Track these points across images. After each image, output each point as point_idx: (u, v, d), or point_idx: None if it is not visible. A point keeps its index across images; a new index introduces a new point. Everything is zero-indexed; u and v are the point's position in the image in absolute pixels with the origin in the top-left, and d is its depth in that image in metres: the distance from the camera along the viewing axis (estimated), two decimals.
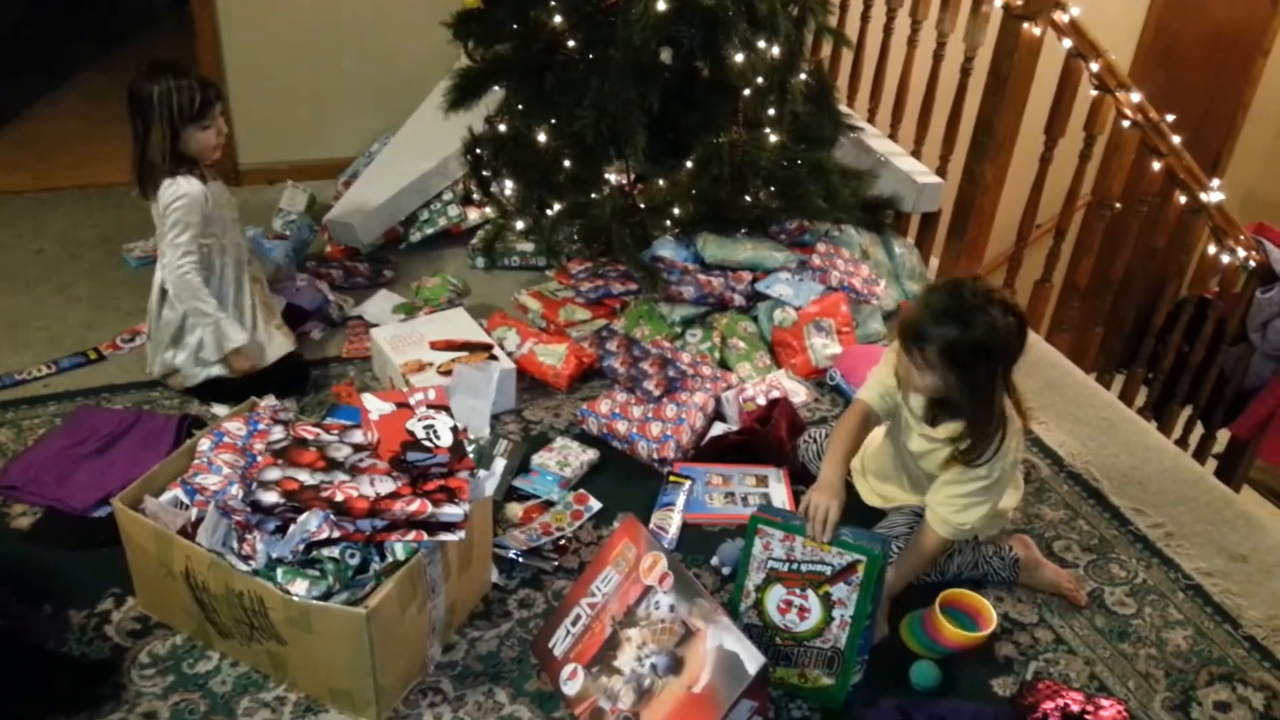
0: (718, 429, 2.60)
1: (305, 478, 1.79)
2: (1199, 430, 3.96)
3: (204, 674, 1.87)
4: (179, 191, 2.39)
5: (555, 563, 2.16)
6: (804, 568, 1.87)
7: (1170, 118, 3.15)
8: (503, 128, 3.08)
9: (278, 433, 1.95)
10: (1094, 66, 3.06)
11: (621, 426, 2.51)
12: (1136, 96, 3.08)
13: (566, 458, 2.44)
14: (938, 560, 2.14)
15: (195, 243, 2.43)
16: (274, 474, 1.79)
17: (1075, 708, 1.80)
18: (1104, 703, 1.84)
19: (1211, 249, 3.47)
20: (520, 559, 2.15)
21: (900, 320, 1.95)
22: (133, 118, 2.38)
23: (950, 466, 2.01)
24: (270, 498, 1.74)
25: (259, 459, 1.87)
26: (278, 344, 2.62)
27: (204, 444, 1.98)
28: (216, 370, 2.54)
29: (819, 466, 2.37)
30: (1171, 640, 2.13)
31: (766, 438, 2.47)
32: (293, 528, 1.72)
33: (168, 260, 2.44)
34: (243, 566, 1.73)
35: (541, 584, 2.12)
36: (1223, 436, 4.08)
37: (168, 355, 2.56)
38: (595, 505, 2.33)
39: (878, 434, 2.28)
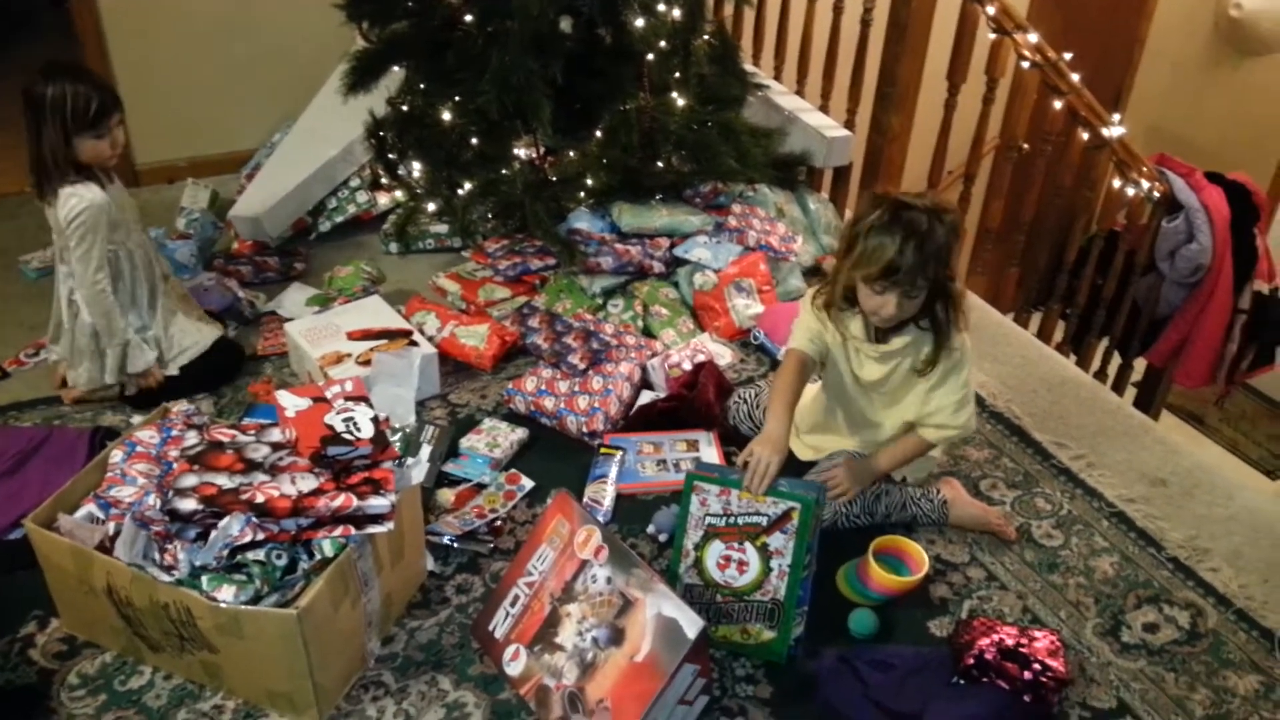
0: (645, 397, 2.60)
1: (223, 481, 1.74)
2: (1117, 361, 4.05)
3: (137, 690, 1.83)
4: (81, 204, 2.29)
5: (491, 545, 2.15)
6: (741, 520, 1.89)
7: (1068, 56, 3.19)
8: (405, 108, 3.03)
9: (192, 438, 1.90)
10: (990, 10, 3.08)
11: (549, 403, 2.49)
12: (1034, 37, 3.12)
13: (496, 439, 2.42)
14: (866, 497, 2.18)
15: (105, 254, 2.35)
16: (191, 480, 1.74)
17: (1010, 642, 1.84)
18: (1037, 634, 1.88)
19: (1116, 183, 3.54)
20: (455, 544, 2.13)
21: (862, 266, 1.92)
22: (26, 118, 2.28)
23: (923, 374, 2.07)
24: (188, 505, 1.69)
25: (175, 466, 1.82)
26: (206, 333, 2.57)
27: (116, 455, 1.92)
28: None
29: (750, 426, 2.41)
30: (1099, 568, 2.19)
31: (694, 402, 2.48)
32: (214, 533, 1.68)
33: (80, 276, 2.35)
34: (165, 577, 1.69)
35: (479, 568, 2.10)
36: (1140, 365, 4.19)
37: (88, 368, 2.48)
38: (528, 484, 2.31)
39: (808, 389, 2.30)
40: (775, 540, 1.86)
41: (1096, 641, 2.01)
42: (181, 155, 3.75)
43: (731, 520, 1.89)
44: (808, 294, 2.18)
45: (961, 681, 1.82)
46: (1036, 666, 1.80)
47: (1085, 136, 3.33)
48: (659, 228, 3.11)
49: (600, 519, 2.19)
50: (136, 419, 2.45)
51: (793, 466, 2.24)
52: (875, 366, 2.12)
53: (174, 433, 1.98)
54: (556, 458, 2.42)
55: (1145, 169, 3.55)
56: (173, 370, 2.51)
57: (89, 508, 1.85)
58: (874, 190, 2.03)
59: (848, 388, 2.20)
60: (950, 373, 2.07)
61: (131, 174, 3.69)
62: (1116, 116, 3.36)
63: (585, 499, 2.26)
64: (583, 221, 3.09)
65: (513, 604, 1.87)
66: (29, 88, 2.25)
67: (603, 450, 2.39)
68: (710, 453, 2.41)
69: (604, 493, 2.28)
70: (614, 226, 3.11)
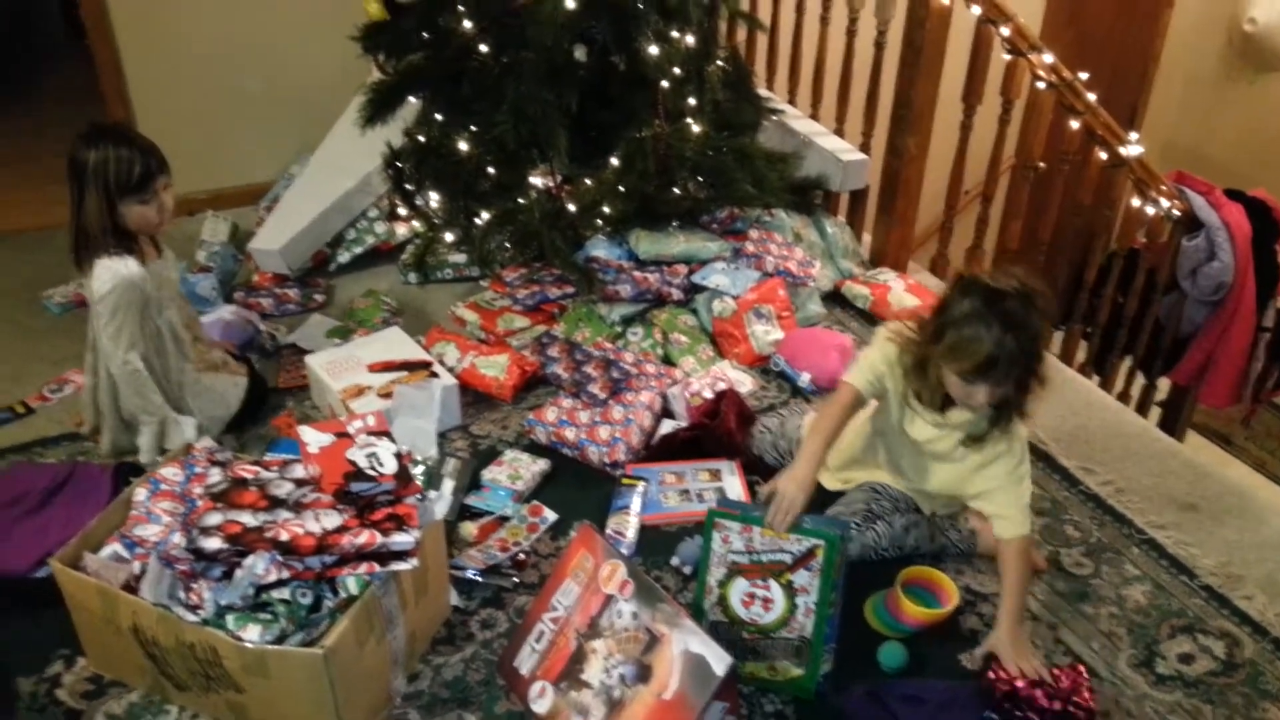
0: (667, 426, 2.58)
1: (248, 519, 1.74)
2: (1140, 381, 4.02)
3: None
4: (114, 279, 2.22)
5: (515, 579, 2.13)
6: (765, 558, 1.86)
7: (1084, 76, 3.19)
8: (422, 139, 3.04)
9: (215, 475, 1.91)
10: (1004, 31, 3.08)
11: (570, 433, 2.49)
12: (1049, 58, 3.11)
13: (518, 470, 2.41)
14: (895, 529, 2.15)
15: (136, 332, 2.29)
16: (215, 518, 1.74)
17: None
18: (1061, 670, 1.85)
19: (1135, 201, 3.52)
20: (479, 578, 2.12)
21: (956, 359, 1.86)
22: (69, 184, 2.21)
23: (972, 449, 2.02)
24: (213, 543, 1.69)
25: (199, 504, 1.82)
26: (235, 390, 2.54)
27: (140, 493, 1.93)
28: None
29: (775, 457, 2.39)
30: (1130, 597, 2.16)
31: (716, 431, 2.46)
32: (239, 572, 1.68)
33: (110, 354, 2.30)
34: (191, 617, 1.68)
35: (503, 602, 2.09)
36: (1164, 385, 4.16)
37: (111, 438, 2.46)
38: (550, 516, 2.30)
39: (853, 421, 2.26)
40: (800, 578, 1.84)
41: (1131, 673, 1.98)
42: (201, 188, 3.77)
43: (755, 557, 1.87)
44: (883, 330, 2.09)
45: (994, 716, 1.79)
46: (1060, 704, 1.78)
47: (1103, 156, 3.31)
48: (677, 254, 3.11)
49: (624, 551, 2.17)
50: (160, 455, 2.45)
51: (818, 495, 2.23)
52: (925, 428, 2.07)
53: (197, 469, 1.98)
54: (579, 488, 2.41)
55: (1164, 187, 3.53)
56: (210, 442, 2.50)
57: (114, 546, 1.85)
58: (960, 273, 1.96)
59: (893, 433, 2.16)
60: (1002, 457, 2.01)
61: None
62: (1134, 135, 3.35)
63: (608, 530, 2.25)
64: (600, 249, 3.09)
65: (538, 640, 1.85)
66: (71, 154, 2.19)
67: (624, 481, 2.38)
68: (733, 482, 2.39)
69: (627, 524, 2.27)
70: (632, 254, 3.11)
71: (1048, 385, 1.96)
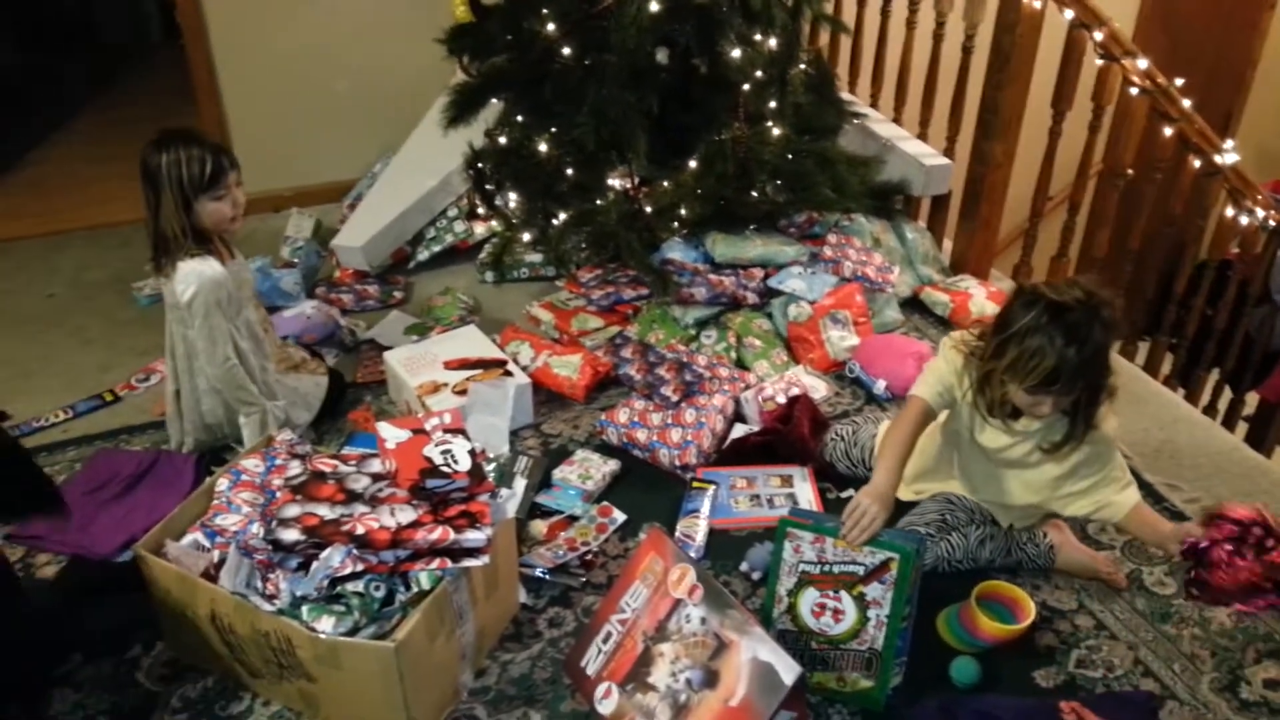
0: (738, 430, 2.57)
1: (325, 512, 1.77)
2: (1228, 395, 3.89)
3: (236, 715, 1.86)
4: (198, 279, 2.23)
5: (583, 578, 2.14)
6: (836, 569, 1.84)
7: (1179, 82, 3.09)
8: (503, 140, 3.07)
9: (295, 467, 1.94)
10: (1098, 35, 3.00)
11: (641, 435, 2.49)
12: (1143, 63, 3.02)
13: (588, 470, 2.42)
14: (969, 541, 2.12)
15: (228, 330, 2.31)
16: (293, 510, 1.77)
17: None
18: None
19: (1229, 211, 3.41)
20: (547, 577, 2.13)
21: (1019, 374, 1.83)
22: (144, 188, 2.24)
23: (1050, 455, 1.99)
24: (291, 535, 1.73)
25: (278, 495, 1.85)
26: (316, 389, 2.58)
27: (222, 483, 1.97)
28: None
29: (847, 465, 2.37)
30: (1215, 619, 2.08)
31: (789, 437, 2.44)
32: (315, 564, 1.71)
33: (208, 354, 2.30)
34: (267, 607, 1.72)
35: (570, 601, 2.10)
36: (1252, 400, 4.02)
37: (194, 440, 2.49)
38: (620, 517, 2.30)
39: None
40: (872, 590, 1.82)
41: (1213, 697, 1.91)
42: (286, 185, 3.85)
43: (826, 568, 1.85)
44: (948, 341, 2.08)
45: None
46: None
47: (1197, 164, 3.21)
48: (753, 258, 3.09)
49: (692, 555, 2.17)
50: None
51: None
52: (996, 435, 2.04)
53: (278, 461, 2.02)
54: (649, 490, 2.40)
55: (1260, 197, 3.41)
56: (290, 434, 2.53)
57: (195, 535, 1.90)
58: (1021, 285, 1.92)
59: (964, 442, 2.13)
60: (1091, 460, 1.99)
61: None
62: (1230, 143, 3.24)
63: (677, 534, 2.24)
64: (676, 252, 3.08)
65: (605, 641, 1.85)
66: (143, 159, 2.23)
67: (695, 484, 2.37)
68: (805, 489, 2.37)
69: (696, 528, 2.26)
70: (707, 257, 3.10)
71: (1116, 396, 1.94)
